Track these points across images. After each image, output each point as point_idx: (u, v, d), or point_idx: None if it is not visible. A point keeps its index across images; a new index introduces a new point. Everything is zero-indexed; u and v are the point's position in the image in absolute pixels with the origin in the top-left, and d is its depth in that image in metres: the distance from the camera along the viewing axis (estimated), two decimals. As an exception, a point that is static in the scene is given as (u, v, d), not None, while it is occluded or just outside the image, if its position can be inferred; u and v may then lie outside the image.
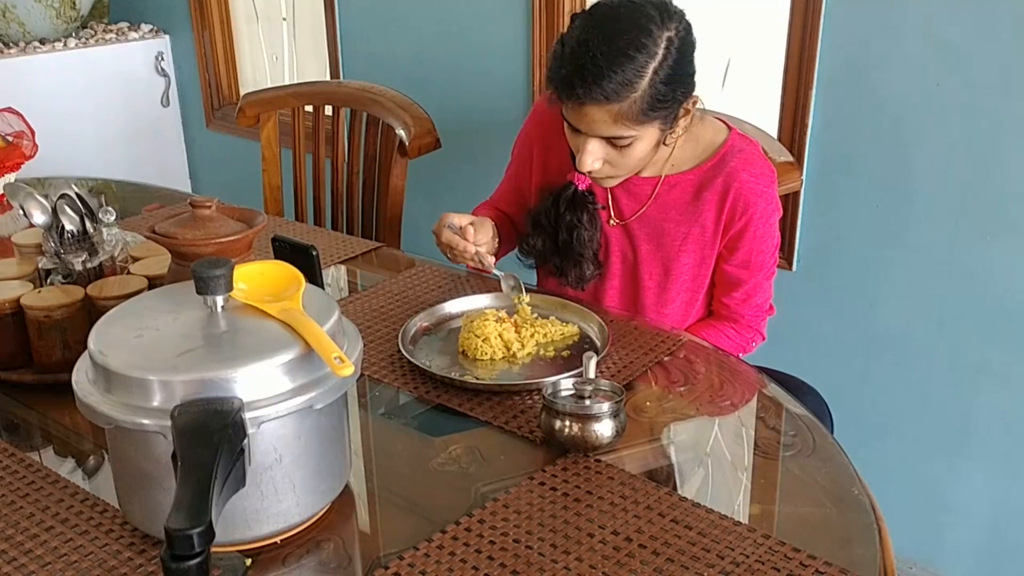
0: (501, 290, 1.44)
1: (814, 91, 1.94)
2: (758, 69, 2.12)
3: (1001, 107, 1.73)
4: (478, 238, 1.45)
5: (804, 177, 1.99)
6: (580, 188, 1.48)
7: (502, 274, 1.44)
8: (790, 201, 2.01)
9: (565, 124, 1.38)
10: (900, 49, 1.81)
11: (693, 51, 1.34)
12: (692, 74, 1.34)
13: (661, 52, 1.28)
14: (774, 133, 2.01)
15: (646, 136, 1.34)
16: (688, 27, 1.33)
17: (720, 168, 1.44)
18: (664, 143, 1.40)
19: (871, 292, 1.99)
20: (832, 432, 1.33)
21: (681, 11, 1.33)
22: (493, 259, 1.46)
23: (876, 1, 1.82)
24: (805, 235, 2.05)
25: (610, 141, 1.34)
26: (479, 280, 1.55)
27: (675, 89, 1.31)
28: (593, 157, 1.36)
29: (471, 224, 1.45)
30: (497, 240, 1.53)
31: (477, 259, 1.44)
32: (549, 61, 1.35)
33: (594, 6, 1.34)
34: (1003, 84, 1.71)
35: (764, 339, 1.57)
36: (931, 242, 1.88)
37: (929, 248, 1.88)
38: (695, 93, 1.37)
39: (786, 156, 1.93)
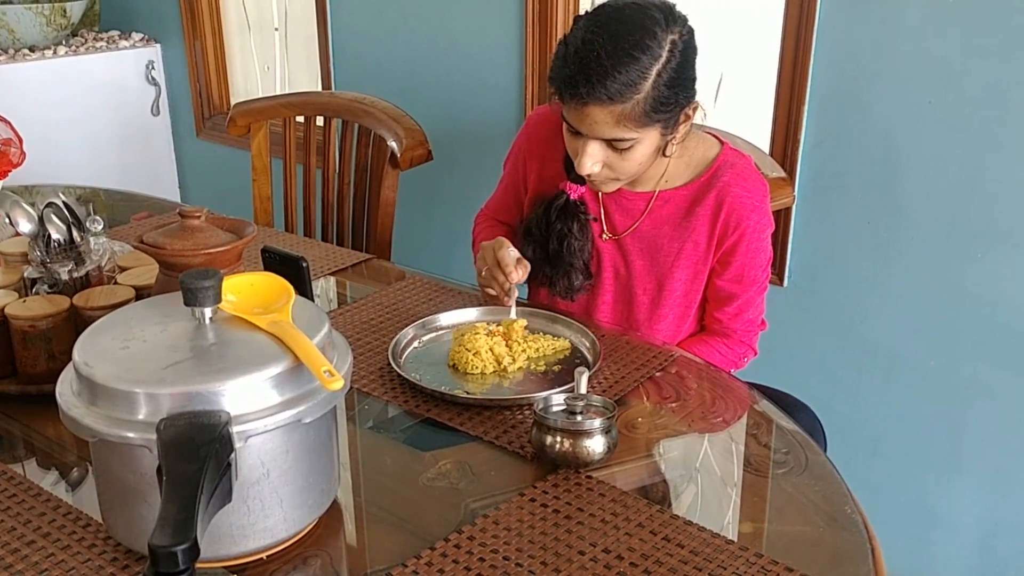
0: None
1: (806, 107, 1.94)
2: (750, 84, 2.12)
3: (994, 124, 1.73)
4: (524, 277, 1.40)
5: (796, 193, 1.99)
6: (572, 198, 1.48)
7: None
8: (782, 217, 2.01)
9: (564, 127, 1.37)
10: (893, 65, 1.82)
11: (695, 56, 1.34)
12: (694, 79, 1.34)
13: (665, 54, 1.28)
14: (766, 148, 2.01)
15: (647, 139, 1.34)
16: (691, 32, 1.32)
17: (713, 183, 1.44)
18: (664, 152, 1.39)
19: (863, 308, 1.98)
20: (825, 449, 1.33)
21: (685, 16, 1.32)
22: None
23: (869, 17, 1.82)
24: (797, 251, 2.05)
25: (610, 144, 1.33)
26: (470, 293, 1.54)
27: (677, 93, 1.31)
28: (593, 160, 1.35)
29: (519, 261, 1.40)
30: None
31: (509, 294, 1.39)
32: (552, 61, 1.34)
33: (599, 7, 1.33)
34: (996, 101, 1.72)
35: (756, 354, 1.56)
36: (923, 258, 1.88)
37: (921, 264, 1.88)
38: (696, 99, 1.36)
39: (778, 172, 1.93)
